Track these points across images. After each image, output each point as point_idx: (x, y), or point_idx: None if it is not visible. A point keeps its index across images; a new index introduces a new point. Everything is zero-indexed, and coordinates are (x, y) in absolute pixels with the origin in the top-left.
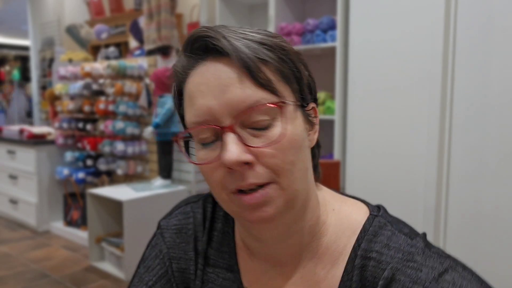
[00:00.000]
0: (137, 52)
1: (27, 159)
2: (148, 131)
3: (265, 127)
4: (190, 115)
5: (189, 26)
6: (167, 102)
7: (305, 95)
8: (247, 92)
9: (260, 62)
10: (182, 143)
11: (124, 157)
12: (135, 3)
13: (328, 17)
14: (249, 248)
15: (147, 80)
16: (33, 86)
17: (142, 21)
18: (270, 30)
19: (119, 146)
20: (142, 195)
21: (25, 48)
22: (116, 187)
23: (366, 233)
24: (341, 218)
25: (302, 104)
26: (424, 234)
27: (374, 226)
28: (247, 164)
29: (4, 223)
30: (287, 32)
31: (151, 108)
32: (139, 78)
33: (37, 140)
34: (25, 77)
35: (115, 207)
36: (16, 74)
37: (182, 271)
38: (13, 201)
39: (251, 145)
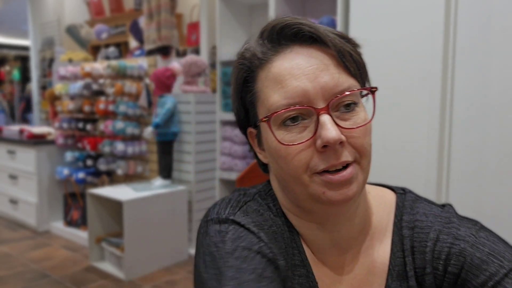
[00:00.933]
0: (137, 52)
1: (27, 159)
2: (148, 131)
3: (351, 111)
4: (279, 98)
5: (189, 26)
6: (167, 102)
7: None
8: (340, 78)
9: (347, 53)
10: (254, 131)
11: (124, 157)
12: (135, 3)
13: (328, 17)
14: (312, 243)
15: (147, 80)
16: (33, 86)
17: (142, 21)
18: None
19: (119, 146)
20: (142, 195)
21: (25, 48)
22: (116, 187)
23: (404, 208)
24: (378, 200)
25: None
26: (450, 205)
27: (408, 201)
28: (341, 143)
29: (4, 223)
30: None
31: (151, 108)
32: (139, 78)
33: (37, 140)
34: (25, 77)
35: (115, 207)
36: (16, 74)
37: (284, 268)
38: (13, 201)
39: (344, 127)
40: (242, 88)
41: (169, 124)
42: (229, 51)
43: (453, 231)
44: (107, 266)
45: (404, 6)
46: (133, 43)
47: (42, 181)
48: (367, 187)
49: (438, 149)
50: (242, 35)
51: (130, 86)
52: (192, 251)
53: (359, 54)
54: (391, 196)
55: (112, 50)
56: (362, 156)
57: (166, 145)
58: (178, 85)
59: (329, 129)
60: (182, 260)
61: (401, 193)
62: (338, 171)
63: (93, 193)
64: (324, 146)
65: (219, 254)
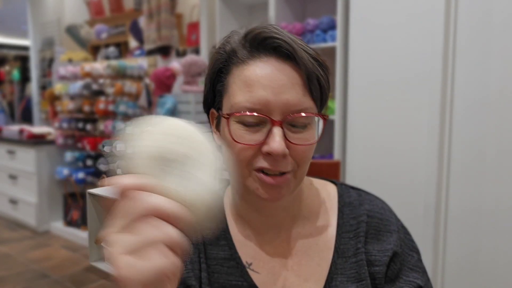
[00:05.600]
0: (137, 52)
1: (27, 159)
2: None
3: (302, 127)
4: (244, 100)
5: (189, 26)
6: (167, 102)
7: (323, 108)
8: (301, 99)
9: (316, 77)
10: (214, 118)
11: None
12: (135, 3)
13: (328, 17)
14: (251, 223)
15: (147, 80)
16: (33, 86)
17: (142, 21)
18: None
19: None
20: None
21: (25, 48)
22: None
23: (362, 198)
24: (318, 190)
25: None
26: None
27: (363, 193)
28: (283, 155)
29: (4, 223)
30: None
31: (151, 108)
32: (139, 78)
33: (37, 140)
34: (25, 77)
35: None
36: (16, 74)
37: (184, 283)
38: (13, 201)
39: (291, 141)
40: (215, 76)
41: None
42: None
43: (407, 241)
44: (107, 266)
45: (404, 6)
46: (133, 43)
47: (42, 181)
48: (309, 179)
49: (438, 148)
50: None
51: (130, 86)
52: None
53: (326, 79)
54: (331, 187)
55: (112, 50)
56: (299, 167)
57: None
58: (178, 85)
59: (277, 141)
60: None
61: (340, 184)
62: (273, 175)
63: (93, 193)
64: (268, 154)
65: None
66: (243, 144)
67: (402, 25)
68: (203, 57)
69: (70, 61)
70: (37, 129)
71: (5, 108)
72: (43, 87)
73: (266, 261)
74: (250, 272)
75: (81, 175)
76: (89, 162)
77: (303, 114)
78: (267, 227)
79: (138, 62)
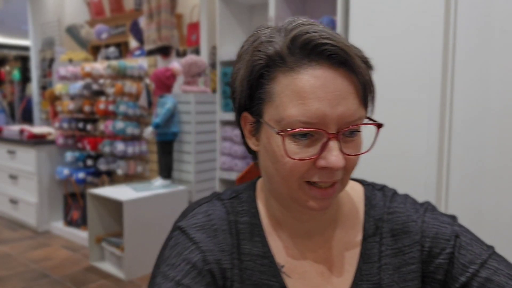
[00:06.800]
0: (137, 52)
1: (27, 159)
2: (148, 131)
3: (353, 137)
4: (297, 113)
5: (189, 26)
6: (167, 102)
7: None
8: (356, 109)
9: (370, 84)
10: (249, 125)
11: (124, 157)
12: (135, 3)
13: (328, 17)
14: (287, 228)
15: (147, 80)
16: (33, 86)
17: (142, 21)
18: None
19: (119, 146)
20: (142, 195)
21: (25, 48)
22: (116, 187)
23: (385, 198)
24: (349, 192)
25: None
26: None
27: (389, 191)
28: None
29: (4, 223)
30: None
31: (151, 108)
32: (139, 78)
33: (37, 140)
34: (25, 77)
35: (115, 207)
36: (16, 74)
37: (218, 262)
38: (13, 201)
39: (347, 153)
40: (255, 80)
41: (169, 124)
42: (229, 51)
43: (437, 216)
44: (107, 266)
45: (404, 7)
46: (133, 43)
47: (42, 181)
48: None
49: (438, 150)
50: (242, 35)
51: (130, 86)
52: None
53: (373, 82)
54: (359, 188)
55: (112, 50)
56: (347, 175)
57: (166, 145)
58: (178, 85)
59: (337, 155)
60: None
61: (368, 185)
62: (325, 187)
63: (93, 193)
64: (324, 167)
65: (159, 260)
66: (298, 159)
67: (402, 26)
68: (203, 57)
69: (70, 61)
70: (38, 129)
71: (5, 108)
72: (44, 87)
73: (298, 266)
74: (282, 275)
75: (81, 175)
76: (89, 162)
77: (358, 126)
78: (302, 232)
79: (138, 62)
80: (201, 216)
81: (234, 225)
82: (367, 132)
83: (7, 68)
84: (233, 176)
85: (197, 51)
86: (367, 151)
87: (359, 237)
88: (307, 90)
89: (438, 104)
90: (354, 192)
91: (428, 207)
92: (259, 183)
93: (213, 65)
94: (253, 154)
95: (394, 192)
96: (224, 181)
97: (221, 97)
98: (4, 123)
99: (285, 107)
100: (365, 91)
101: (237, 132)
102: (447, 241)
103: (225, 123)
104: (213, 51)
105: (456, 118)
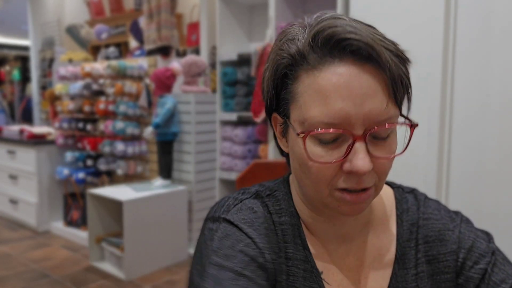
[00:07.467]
0: (137, 52)
1: (27, 159)
2: (148, 131)
3: (385, 138)
4: (320, 114)
5: (189, 26)
6: (167, 102)
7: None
8: (385, 108)
9: (400, 79)
10: (280, 127)
11: (124, 157)
12: (135, 3)
13: None
14: (319, 233)
15: (147, 80)
16: (33, 86)
17: (142, 21)
18: (270, 30)
19: (119, 146)
20: (142, 195)
21: (25, 48)
22: (116, 187)
23: (419, 202)
24: (380, 195)
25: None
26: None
27: (421, 195)
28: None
29: (4, 223)
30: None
31: (151, 108)
32: (139, 78)
33: (37, 140)
34: (25, 77)
35: (115, 207)
36: (16, 74)
37: (273, 262)
38: (13, 201)
39: (375, 156)
40: (279, 80)
41: (169, 124)
42: (229, 51)
43: (473, 229)
44: (107, 266)
45: (404, 7)
46: (133, 43)
47: (42, 181)
48: None
49: (438, 149)
50: (242, 35)
51: (130, 86)
52: (192, 251)
53: (408, 75)
54: (389, 191)
55: (112, 50)
56: (380, 180)
57: (166, 145)
58: (178, 85)
59: (362, 159)
60: (182, 260)
61: (397, 187)
62: (356, 191)
63: (93, 193)
64: (351, 172)
65: (206, 251)
66: (322, 163)
67: (402, 25)
68: (203, 57)
69: (70, 61)
70: (37, 129)
71: (5, 108)
72: (43, 87)
73: (335, 273)
74: (323, 282)
75: (81, 175)
76: (89, 162)
77: (387, 126)
78: (334, 237)
79: (138, 62)
80: (248, 213)
81: (279, 226)
82: (401, 131)
83: (7, 68)
84: (233, 176)
85: (197, 51)
86: (400, 153)
87: (392, 241)
88: (329, 89)
89: (438, 104)
90: (384, 194)
91: (463, 217)
92: (292, 180)
93: (213, 65)
94: (287, 156)
95: (426, 197)
96: (224, 181)
97: (221, 97)
98: (4, 123)
99: (308, 107)
100: (396, 88)
101: (237, 132)
102: (482, 256)
103: (225, 123)
104: (213, 51)
105: (456, 118)
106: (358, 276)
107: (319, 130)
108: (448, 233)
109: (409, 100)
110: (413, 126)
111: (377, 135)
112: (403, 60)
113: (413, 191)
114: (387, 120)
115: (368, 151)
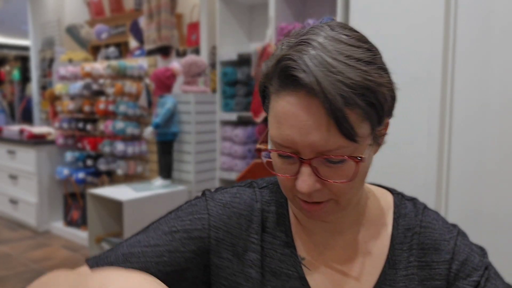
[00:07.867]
0: (137, 52)
1: (27, 159)
2: (148, 131)
3: (337, 163)
4: (275, 134)
5: (189, 26)
6: (167, 102)
7: (383, 120)
8: (330, 139)
9: (348, 109)
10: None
11: (124, 157)
12: (135, 3)
13: (328, 17)
14: (304, 226)
15: (147, 80)
16: (33, 86)
17: (142, 21)
18: (270, 30)
19: (119, 146)
20: (142, 195)
21: (25, 48)
22: (116, 187)
23: (417, 210)
24: (377, 198)
25: (376, 136)
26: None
27: (420, 204)
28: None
29: (4, 223)
30: (287, 33)
31: (151, 108)
32: (139, 78)
33: (37, 140)
34: (25, 77)
35: (115, 207)
36: (16, 74)
37: (219, 241)
38: (13, 201)
39: (324, 179)
40: (262, 92)
41: (169, 124)
42: (229, 51)
43: (468, 243)
44: None
45: (404, 7)
46: (133, 43)
47: (42, 181)
48: (368, 186)
49: (438, 149)
50: (242, 35)
51: (130, 86)
52: None
53: (376, 104)
54: (389, 197)
55: (112, 50)
56: (340, 196)
57: (166, 145)
58: (178, 85)
59: (304, 181)
60: None
61: (398, 194)
62: (311, 202)
63: (93, 193)
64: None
65: (176, 208)
66: (279, 175)
67: (402, 25)
68: (203, 57)
69: (70, 61)
70: (37, 129)
71: (5, 108)
72: (43, 87)
73: (319, 261)
74: (302, 266)
75: (81, 175)
76: (89, 162)
77: (333, 157)
78: (323, 230)
79: (138, 62)
80: (228, 196)
81: (260, 213)
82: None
83: (7, 68)
84: (233, 176)
85: (197, 51)
86: (346, 181)
87: (385, 242)
88: (281, 116)
89: (438, 104)
90: (383, 198)
91: (459, 230)
92: None
93: (213, 65)
94: None
95: (425, 206)
96: (224, 181)
97: (221, 97)
98: (4, 123)
99: (271, 126)
100: (341, 123)
101: (237, 132)
102: (475, 270)
103: (225, 123)
104: (213, 51)
105: (456, 118)
106: (343, 268)
107: (273, 149)
108: (444, 243)
109: (379, 123)
110: (358, 161)
111: (329, 159)
112: (359, 91)
113: (413, 200)
114: (336, 149)
115: (316, 173)
